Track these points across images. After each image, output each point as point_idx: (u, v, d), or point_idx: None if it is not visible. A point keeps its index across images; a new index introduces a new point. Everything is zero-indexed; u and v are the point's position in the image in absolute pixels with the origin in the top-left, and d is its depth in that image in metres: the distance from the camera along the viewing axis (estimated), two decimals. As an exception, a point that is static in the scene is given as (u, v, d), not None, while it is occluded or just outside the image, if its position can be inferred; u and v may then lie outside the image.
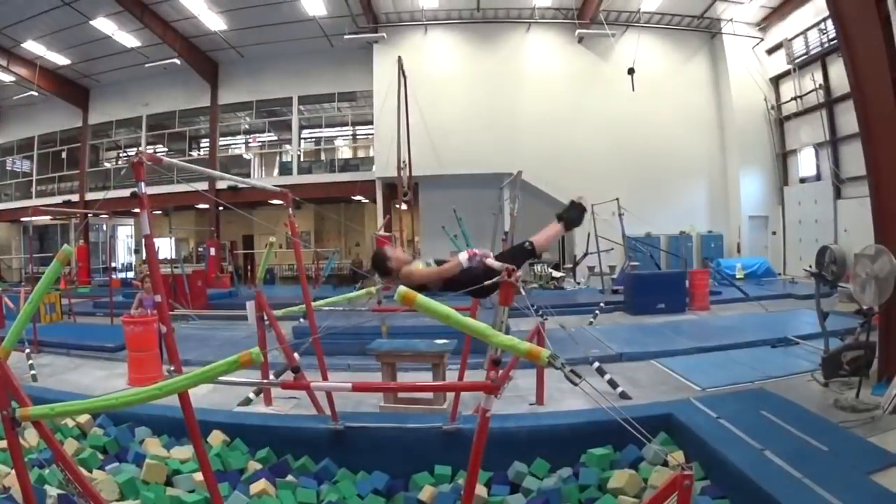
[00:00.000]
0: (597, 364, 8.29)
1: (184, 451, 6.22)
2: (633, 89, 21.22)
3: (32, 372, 9.64)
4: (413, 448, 6.13)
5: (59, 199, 28.67)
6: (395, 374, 7.67)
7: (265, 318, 7.39)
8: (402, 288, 3.01)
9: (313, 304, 7.27)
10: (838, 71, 19.05)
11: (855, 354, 7.23)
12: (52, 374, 9.99)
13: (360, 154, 28.63)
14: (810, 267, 8.06)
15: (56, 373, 10.10)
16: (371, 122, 24.89)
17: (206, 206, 27.42)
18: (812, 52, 20.76)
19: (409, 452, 6.10)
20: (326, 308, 8.50)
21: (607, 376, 7.93)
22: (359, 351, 8.98)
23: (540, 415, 6.86)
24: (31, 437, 6.14)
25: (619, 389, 7.69)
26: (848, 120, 18.35)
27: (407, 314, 10.94)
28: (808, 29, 20.81)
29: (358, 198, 27.61)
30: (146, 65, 25.43)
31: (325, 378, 6.98)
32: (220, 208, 26.52)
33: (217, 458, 6.02)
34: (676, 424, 6.01)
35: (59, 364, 10.83)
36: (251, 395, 7.90)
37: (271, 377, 7.23)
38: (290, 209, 6.25)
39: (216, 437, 6.40)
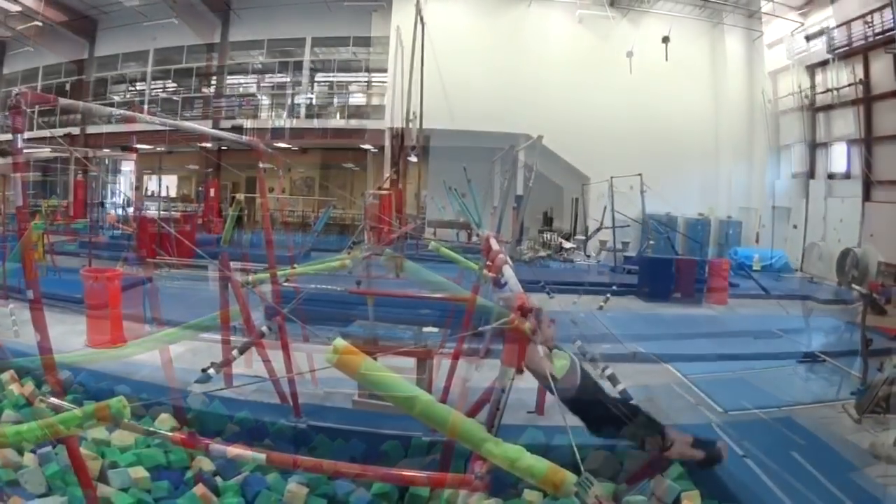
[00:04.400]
0: (609, 370, 7.34)
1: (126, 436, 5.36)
2: (667, 59, 20.22)
3: (15, 328, 8.84)
4: (388, 458, 5.28)
5: (61, 132, 27.76)
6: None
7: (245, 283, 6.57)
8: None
9: (292, 270, 6.53)
10: (881, 66, 18.25)
11: (892, 390, 6.57)
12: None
13: (374, 101, 27.63)
14: (860, 287, 7.22)
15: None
16: (385, 70, 24.01)
17: (209, 144, 26.61)
18: (855, 45, 19.41)
19: (383, 462, 5.19)
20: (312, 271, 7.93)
21: (620, 386, 6.98)
22: (343, 318, 8.13)
23: (539, 427, 5.92)
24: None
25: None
26: (886, 119, 17.77)
27: (394, 284, 10.27)
28: (852, 20, 19.37)
29: (367, 146, 26.79)
30: (157, -3, 24.42)
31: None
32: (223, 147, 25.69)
33: (161, 452, 5.26)
34: (695, 456, 5.22)
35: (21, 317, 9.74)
36: (211, 372, 7.02)
37: (234, 353, 6.39)
38: (259, 164, 5.21)
39: (164, 422, 5.64)
